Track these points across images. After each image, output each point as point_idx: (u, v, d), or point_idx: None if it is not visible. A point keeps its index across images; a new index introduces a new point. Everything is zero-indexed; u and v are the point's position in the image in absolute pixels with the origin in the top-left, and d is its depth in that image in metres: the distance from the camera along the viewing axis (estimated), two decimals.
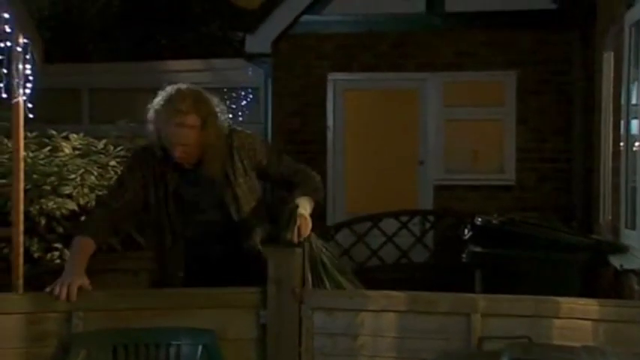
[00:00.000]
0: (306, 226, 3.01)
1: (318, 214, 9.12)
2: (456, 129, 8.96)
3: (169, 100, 3.07)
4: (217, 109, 3.17)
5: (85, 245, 3.06)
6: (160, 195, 3.17)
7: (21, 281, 5.22)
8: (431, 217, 8.67)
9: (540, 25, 8.60)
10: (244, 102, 10.90)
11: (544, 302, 2.96)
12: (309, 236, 3.02)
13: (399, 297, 3.02)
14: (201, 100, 3.11)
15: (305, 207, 3.08)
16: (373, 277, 7.73)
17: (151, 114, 3.12)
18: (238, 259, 3.19)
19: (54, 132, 7.14)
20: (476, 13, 8.70)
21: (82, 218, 3.38)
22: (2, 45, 4.76)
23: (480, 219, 5.76)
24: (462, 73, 8.81)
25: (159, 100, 3.11)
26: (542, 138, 8.69)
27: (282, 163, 3.31)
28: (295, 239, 2.96)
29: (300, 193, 3.16)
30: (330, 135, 9.14)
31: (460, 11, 8.75)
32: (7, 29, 4.60)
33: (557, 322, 2.90)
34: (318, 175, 3.36)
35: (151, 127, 3.12)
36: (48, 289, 2.84)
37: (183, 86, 3.15)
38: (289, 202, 3.12)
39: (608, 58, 6.56)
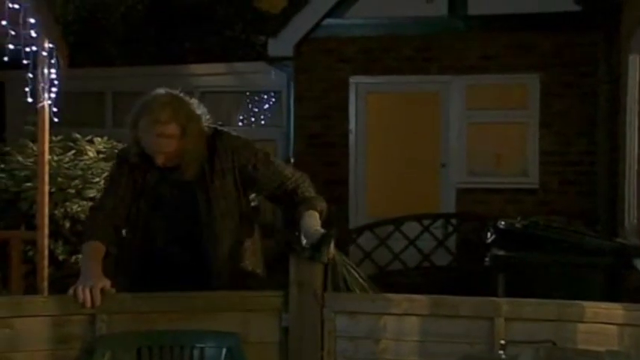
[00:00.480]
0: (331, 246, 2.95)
1: (340, 218, 9.05)
2: (478, 132, 8.92)
3: (149, 110, 3.00)
4: (198, 112, 3.10)
5: (95, 248, 3.05)
6: (137, 190, 3.13)
7: (46, 284, 5.27)
8: (453, 221, 8.64)
9: (564, 27, 8.55)
10: (266, 105, 10.95)
11: (568, 306, 2.94)
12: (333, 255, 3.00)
13: (421, 300, 3.01)
14: (181, 108, 3.04)
15: (319, 226, 3.00)
16: (395, 280, 7.74)
17: (130, 121, 3.05)
18: (202, 268, 3.11)
19: (78, 135, 7.21)
20: (499, 16, 8.66)
21: (83, 226, 3.33)
22: (28, 49, 4.81)
23: (502, 222, 5.72)
24: (485, 76, 8.78)
25: (138, 108, 3.05)
26: (566, 141, 8.64)
27: (271, 168, 3.18)
28: (325, 259, 2.94)
29: (307, 208, 3.07)
30: (352, 138, 9.14)
31: (483, 14, 8.72)
32: (33, 34, 4.65)
33: (581, 326, 2.88)
34: (308, 179, 3.22)
35: (130, 132, 3.06)
36: (70, 292, 2.84)
37: (161, 93, 3.08)
38: (298, 216, 3.06)
39: (634, 60, 6.50)
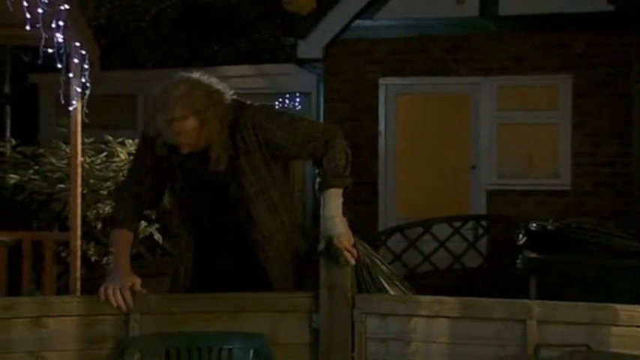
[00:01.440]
0: (349, 240, 2.90)
1: (370, 221, 8.95)
2: (509, 133, 8.86)
3: (163, 105, 2.84)
4: (219, 88, 2.94)
5: (121, 238, 3.03)
6: (167, 175, 3.05)
7: (78, 284, 5.32)
8: (484, 223, 8.57)
9: (596, 27, 8.46)
10: (296, 107, 10.95)
11: (602, 309, 2.90)
12: (354, 242, 2.97)
13: (451, 302, 2.98)
14: (195, 98, 2.85)
15: (337, 213, 2.91)
16: (425, 282, 7.70)
17: (149, 114, 2.93)
18: (244, 250, 3.02)
19: (110, 137, 7.26)
20: (530, 17, 8.60)
21: (110, 210, 3.25)
22: (61, 52, 4.85)
23: (534, 224, 5.68)
24: (516, 77, 8.73)
25: (153, 101, 2.89)
26: (598, 142, 8.54)
27: (298, 134, 2.99)
28: (352, 261, 2.90)
29: (329, 184, 2.95)
30: (381, 140, 9.13)
31: (514, 14, 8.67)
32: (66, 37, 4.69)
33: (615, 329, 2.83)
34: (339, 137, 3.06)
35: (150, 124, 2.92)
36: (101, 292, 2.83)
37: (175, 84, 2.89)
38: (318, 194, 2.98)
39: None
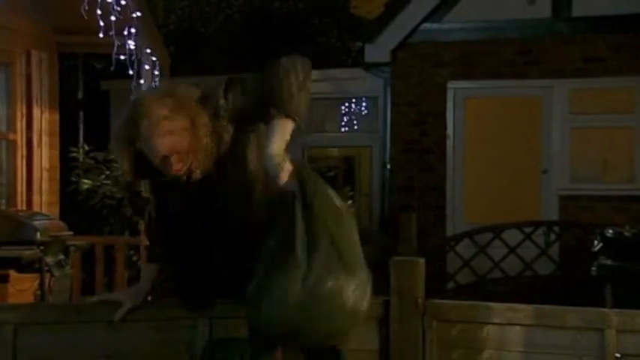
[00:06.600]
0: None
1: (438, 226, 8.82)
2: (582, 137, 8.66)
3: (150, 107, 2.54)
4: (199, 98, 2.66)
5: (151, 268, 2.93)
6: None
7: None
8: (556, 228, 8.38)
9: None
10: (362, 111, 10.93)
11: None
12: None
13: (525, 310, 2.92)
14: (183, 100, 2.59)
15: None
16: (495, 289, 7.56)
17: (122, 136, 2.60)
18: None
19: None
20: (604, 17, 8.40)
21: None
22: (132, 59, 4.95)
23: (610, 230, 5.54)
24: (590, 79, 8.52)
25: (134, 112, 2.59)
26: None
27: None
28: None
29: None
30: (449, 144, 9.02)
31: (587, 15, 8.47)
32: (137, 44, 4.78)
33: None
34: None
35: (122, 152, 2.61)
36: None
37: (153, 90, 2.72)
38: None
39: None
